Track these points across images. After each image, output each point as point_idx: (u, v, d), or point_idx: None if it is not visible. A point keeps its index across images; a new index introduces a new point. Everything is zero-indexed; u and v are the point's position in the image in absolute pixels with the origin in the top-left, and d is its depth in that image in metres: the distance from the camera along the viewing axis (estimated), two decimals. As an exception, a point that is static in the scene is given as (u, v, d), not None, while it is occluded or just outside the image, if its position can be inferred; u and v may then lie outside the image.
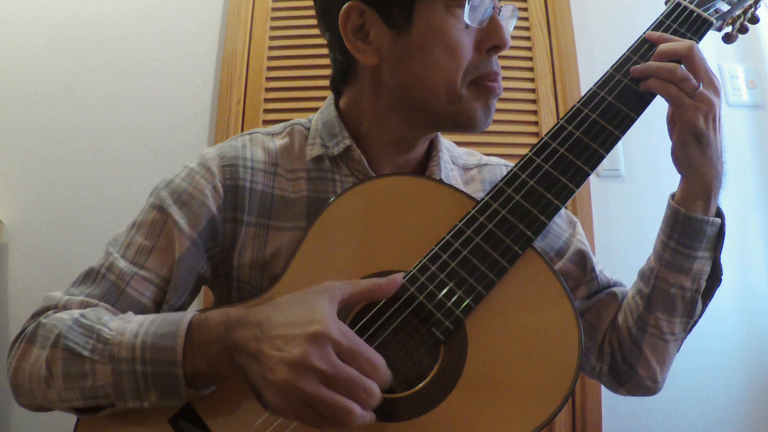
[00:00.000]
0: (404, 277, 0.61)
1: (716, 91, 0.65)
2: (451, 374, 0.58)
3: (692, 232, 0.68)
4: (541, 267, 0.62)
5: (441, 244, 0.62)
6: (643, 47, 0.68)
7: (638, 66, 0.66)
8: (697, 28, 0.68)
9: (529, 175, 0.64)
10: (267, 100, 1.67)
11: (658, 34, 0.68)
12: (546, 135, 0.65)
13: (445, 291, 0.60)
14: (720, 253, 0.71)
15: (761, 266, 1.63)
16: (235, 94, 1.67)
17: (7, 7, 1.75)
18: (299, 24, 1.71)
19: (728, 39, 0.75)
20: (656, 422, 1.49)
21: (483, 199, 0.64)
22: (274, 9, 1.75)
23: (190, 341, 0.57)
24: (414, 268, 0.62)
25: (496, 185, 0.64)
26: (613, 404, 1.49)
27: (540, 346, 0.59)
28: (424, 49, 0.67)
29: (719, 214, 0.70)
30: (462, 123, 0.71)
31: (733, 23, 0.74)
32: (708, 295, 0.73)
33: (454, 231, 0.63)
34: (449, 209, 0.64)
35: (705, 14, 0.68)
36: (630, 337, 0.74)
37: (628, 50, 0.69)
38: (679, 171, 0.70)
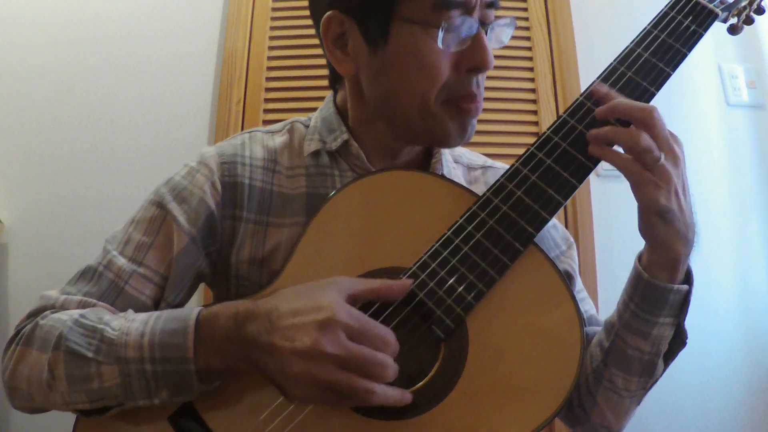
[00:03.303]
0: (405, 276, 0.61)
1: (676, 159, 0.59)
2: (451, 372, 0.58)
3: (653, 299, 0.63)
4: (543, 264, 0.62)
5: (442, 240, 0.62)
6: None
7: (594, 131, 0.61)
8: (702, 19, 0.65)
9: (531, 170, 0.63)
10: (267, 100, 1.67)
11: (606, 89, 0.63)
12: (548, 129, 0.64)
13: (445, 288, 0.60)
14: (684, 319, 0.66)
15: (761, 266, 1.63)
16: (235, 94, 1.67)
17: (7, 7, 1.75)
18: (299, 24, 1.71)
19: (733, 30, 0.73)
20: (656, 422, 1.49)
21: (484, 194, 0.64)
22: (274, 9, 1.74)
23: (200, 337, 0.57)
24: (414, 264, 0.61)
25: (498, 180, 0.64)
26: (613, 404, 1.49)
27: (541, 344, 0.59)
28: (398, 68, 0.65)
29: (689, 276, 0.65)
30: (436, 140, 0.71)
31: (738, 14, 0.72)
32: (671, 356, 0.68)
33: (455, 227, 0.62)
34: (450, 205, 0.64)
35: (710, 5, 0.66)
36: (586, 384, 0.71)
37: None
38: (646, 242, 0.65)
